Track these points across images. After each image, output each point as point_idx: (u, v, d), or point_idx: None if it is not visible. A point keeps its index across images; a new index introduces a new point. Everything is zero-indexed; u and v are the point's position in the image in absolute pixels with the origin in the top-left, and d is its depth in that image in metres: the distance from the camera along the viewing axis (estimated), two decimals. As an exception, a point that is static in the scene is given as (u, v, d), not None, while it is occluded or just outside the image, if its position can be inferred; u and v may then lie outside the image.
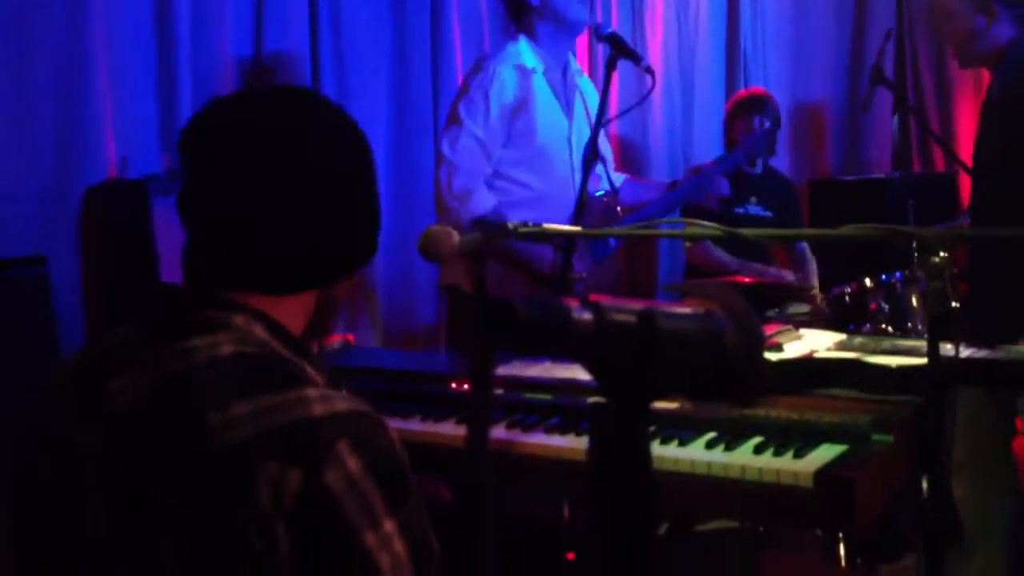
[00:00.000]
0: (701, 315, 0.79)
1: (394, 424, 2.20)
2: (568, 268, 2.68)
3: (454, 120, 3.23)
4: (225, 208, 1.32)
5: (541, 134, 3.23)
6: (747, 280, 3.42)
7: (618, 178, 3.51)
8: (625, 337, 0.74)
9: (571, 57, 3.43)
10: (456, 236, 2.08)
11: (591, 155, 2.95)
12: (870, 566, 2.89)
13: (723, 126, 4.45)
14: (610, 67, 3.10)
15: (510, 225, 2.15)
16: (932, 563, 1.79)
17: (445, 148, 3.20)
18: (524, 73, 3.23)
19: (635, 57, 3.12)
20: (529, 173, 3.26)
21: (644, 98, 3.56)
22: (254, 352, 1.25)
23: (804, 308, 3.38)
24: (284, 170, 1.31)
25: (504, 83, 3.20)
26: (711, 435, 1.96)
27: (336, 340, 3.09)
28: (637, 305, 0.77)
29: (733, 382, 0.81)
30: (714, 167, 3.41)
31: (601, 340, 0.73)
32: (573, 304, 0.75)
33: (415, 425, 2.22)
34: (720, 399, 0.85)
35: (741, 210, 4.19)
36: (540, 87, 3.26)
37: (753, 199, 4.24)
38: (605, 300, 0.76)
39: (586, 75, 3.58)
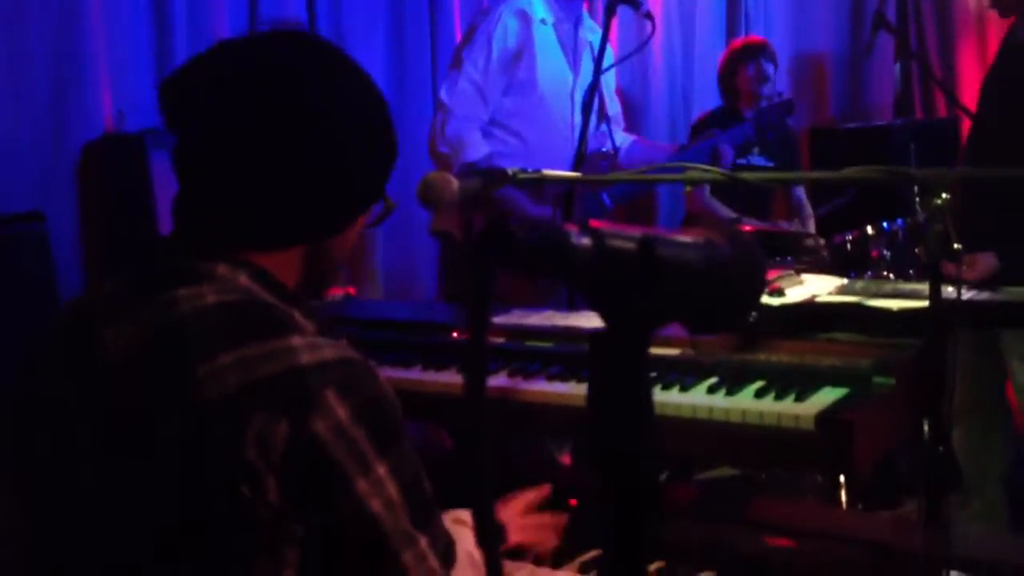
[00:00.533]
0: (702, 243, 0.78)
1: (395, 374, 2.25)
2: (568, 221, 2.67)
3: (456, 64, 3.23)
4: (213, 158, 1.29)
5: (542, 84, 3.22)
6: (747, 228, 3.41)
7: (626, 139, 3.49)
8: (625, 263, 0.73)
9: (585, 14, 3.40)
10: (455, 183, 2.07)
11: (589, 101, 2.93)
12: (870, 511, 2.90)
13: (719, 76, 4.39)
14: (609, 12, 3.08)
15: (509, 171, 2.13)
16: (932, 508, 1.80)
17: (443, 93, 3.20)
18: (530, 21, 3.21)
19: (634, 3, 3.09)
20: (527, 124, 3.24)
21: (644, 44, 3.53)
22: (236, 300, 1.23)
23: (805, 255, 3.37)
24: (274, 117, 1.27)
25: (507, 28, 3.18)
26: (712, 380, 1.95)
27: (337, 293, 3.09)
28: (638, 232, 0.76)
29: (734, 311, 0.81)
30: (724, 135, 3.38)
31: (600, 266, 0.72)
32: (572, 229, 0.74)
33: (416, 374, 2.22)
34: (720, 328, 0.84)
35: (743, 161, 4.17)
36: (547, 37, 3.24)
37: (755, 149, 4.21)
38: (605, 226, 0.75)
39: (599, 30, 3.54)
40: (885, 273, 3.00)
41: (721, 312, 0.80)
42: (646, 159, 3.31)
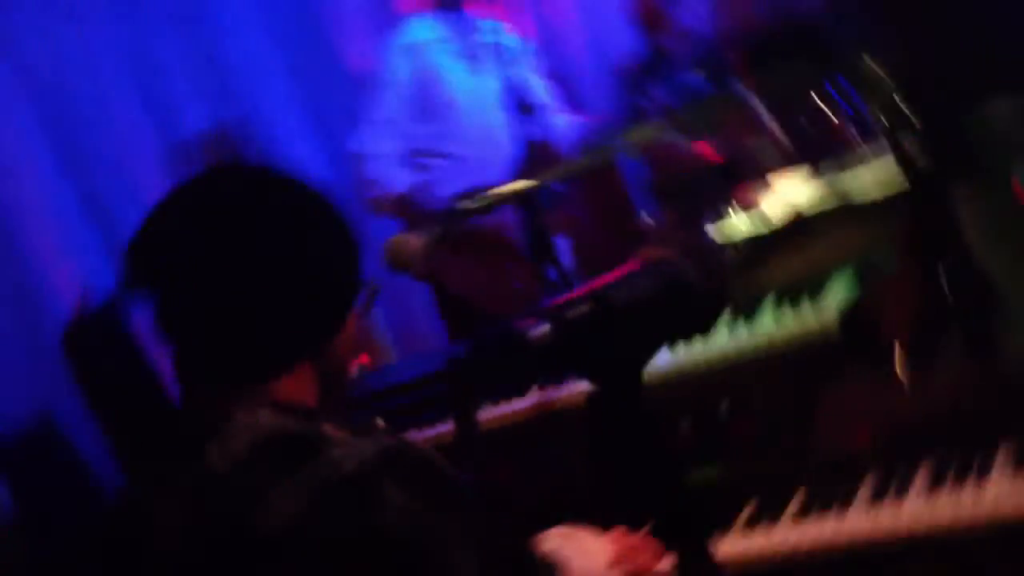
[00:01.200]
0: (654, 268, 0.77)
1: (431, 433, 2.26)
2: (541, 226, 2.68)
3: (359, 119, 3.25)
4: (200, 309, 1.31)
5: (459, 100, 3.22)
6: (716, 158, 3.36)
7: (565, 122, 3.49)
8: (586, 328, 0.73)
9: (479, 20, 3.38)
10: (415, 240, 2.07)
11: (521, 100, 2.94)
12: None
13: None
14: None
15: (460, 206, 2.14)
16: (971, 333, 1.79)
17: (351, 145, 3.22)
18: (419, 50, 3.21)
19: None
20: (457, 143, 3.25)
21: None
22: (265, 438, 1.24)
23: (767, 150, 3.32)
24: (249, 254, 1.30)
25: (396, 65, 3.19)
26: (726, 317, 1.94)
27: (357, 361, 3.10)
28: (587, 290, 0.76)
29: (709, 310, 0.81)
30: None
31: (567, 339, 0.72)
32: (528, 321, 0.74)
33: (449, 426, 2.22)
34: (707, 328, 0.84)
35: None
36: (440, 57, 3.24)
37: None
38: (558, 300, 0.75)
39: (506, 26, 3.50)
40: (853, 139, 2.96)
41: (698, 317, 0.80)
42: (583, 137, 3.33)
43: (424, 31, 3.24)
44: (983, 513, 1.47)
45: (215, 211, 1.32)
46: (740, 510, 1.76)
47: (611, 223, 4.36)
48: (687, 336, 0.73)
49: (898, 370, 2.71)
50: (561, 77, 4.67)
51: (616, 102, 3.45)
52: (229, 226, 1.30)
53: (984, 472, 1.53)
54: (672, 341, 0.73)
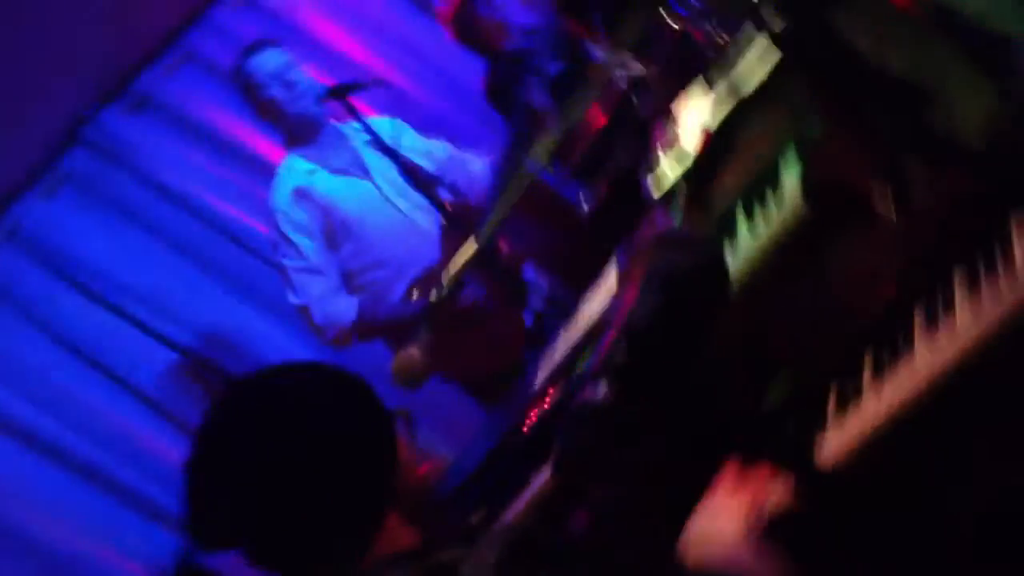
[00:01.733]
0: (653, 278, 0.82)
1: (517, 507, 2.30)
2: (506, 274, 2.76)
3: (281, 267, 3.35)
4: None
5: (362, 213, 3.29)
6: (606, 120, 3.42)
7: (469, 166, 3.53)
8: (637, 362, 0.77)
9: (340, 127, 3.43)
10: (414, 353, 2.12)
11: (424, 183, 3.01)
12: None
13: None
14: (349, 108, 3.18)
15: (432, 298, 2.19)
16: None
17: (290, 299, 3.32)
18: (299, 191, 3.27)
19: (359, 86, 3.17)
20: (378, 248, 3.35)
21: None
22: None
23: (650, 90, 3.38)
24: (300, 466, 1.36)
25: (290, 214, 3.25)
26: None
27: (423, 478, 3.14)
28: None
29: (717, 285, 0.85)
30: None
31: (628, 383, 0.77)
32: (585, 392, 0.77)
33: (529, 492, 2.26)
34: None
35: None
36: (328, 184, 3.30)
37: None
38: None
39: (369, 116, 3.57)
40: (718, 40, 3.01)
41: (714, 284, 0.84)
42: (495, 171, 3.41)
43: (296, 173, 3.30)
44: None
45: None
46: (823, 405, 1.79)
47: (559, 228, 4.43)
48: (718, 305, 0.77)
49: (881, 210, 2.77)
50: (441, 125, 4.77)
51: (502, 125, 3.52)
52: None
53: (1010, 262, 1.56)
54: (709, 316, 0.77)
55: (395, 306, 3.26)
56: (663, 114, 2.99)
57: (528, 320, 3.39)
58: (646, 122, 3.20)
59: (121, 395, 3.92)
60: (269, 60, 3.32)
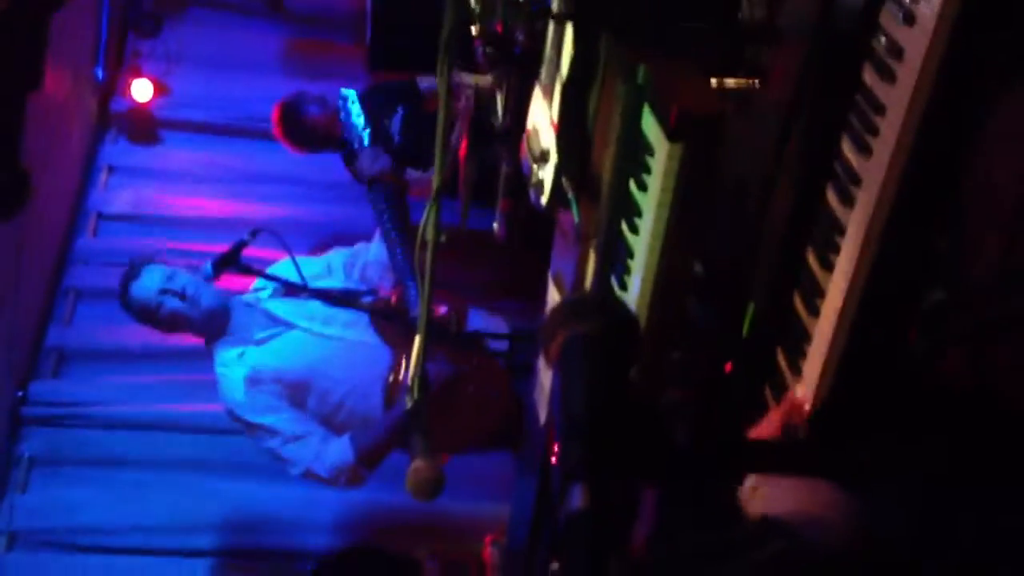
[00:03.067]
0: (567, 380, 0.82)
1: None
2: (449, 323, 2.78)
3: (269, 451, 3.32)
4: None
5: (315, 367, 3.33)
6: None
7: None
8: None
9: (253, 290, 3.44)
10: (419, 465, 2.13)
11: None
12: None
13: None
14: (243, 270, 3.18)
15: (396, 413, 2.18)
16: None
17: (293, 472, 3.29)
18: (249, 378, 3.26)
19: (241, 244, 3.18)
20: (343, 385, 3.36)
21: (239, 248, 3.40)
22: None
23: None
24: None
25: (247, 402, 3.27)
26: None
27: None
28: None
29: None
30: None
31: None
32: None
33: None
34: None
35: (388, 121, 4.28)
36: (263, 356, 3.32)
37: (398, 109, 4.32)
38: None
39: (280, 263, 3.53)
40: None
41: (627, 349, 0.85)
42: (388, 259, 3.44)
43: (232, 364, 3.31)
44: None
45: None
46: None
47: (485, 260, 4.45)
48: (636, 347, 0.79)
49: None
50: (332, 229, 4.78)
51: (381, 202, 3.54)
52: None
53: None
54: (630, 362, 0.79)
55: (382, 421, 3.27)
56: (516, 123, 3.03)
57: (501, 362, 3.41)
58: (504, 127, 3.24)
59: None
60: (149, 280, 3.30)
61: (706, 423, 1.96)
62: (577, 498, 0.76)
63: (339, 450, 3.24)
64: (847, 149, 1.69)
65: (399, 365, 3.24)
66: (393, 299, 3.38)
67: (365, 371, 3.33)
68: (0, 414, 4.12)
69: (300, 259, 3.34)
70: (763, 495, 1.57)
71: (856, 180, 1.65)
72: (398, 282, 3.42)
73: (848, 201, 1.67)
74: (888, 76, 1.55)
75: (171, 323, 3.34)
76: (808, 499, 1.43)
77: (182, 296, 3.25)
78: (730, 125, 1.86)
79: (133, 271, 3.33)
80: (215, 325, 3.32)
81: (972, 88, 1.49)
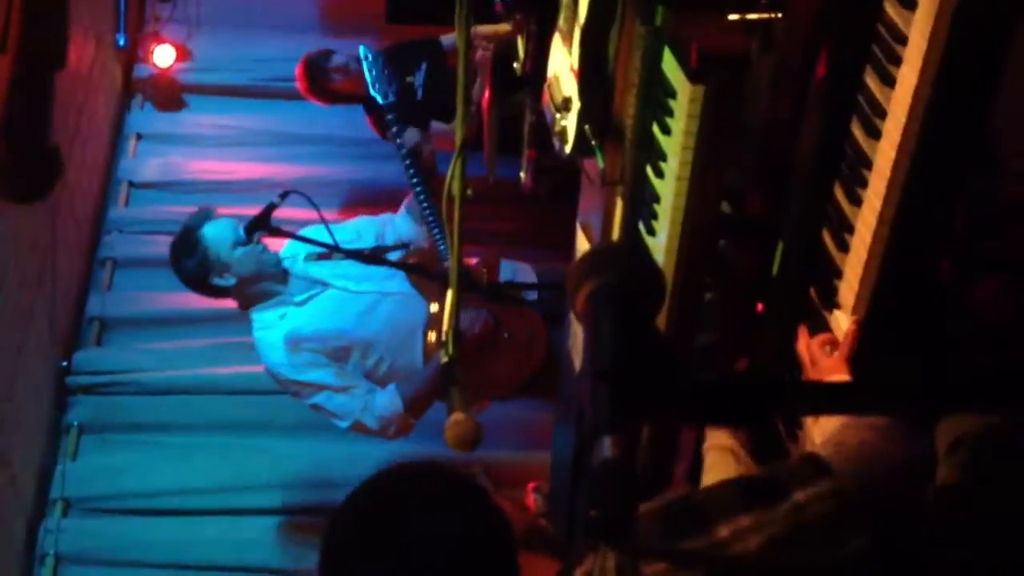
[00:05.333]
0: (595, 327, 0.83)
1: None
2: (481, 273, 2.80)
3: (316, 407, 3.33)
4: None
5: (354, 323, 3.34)
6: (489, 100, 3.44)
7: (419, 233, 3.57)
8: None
9: (271, 257, 3.45)
10: (457, 417, 2.15)
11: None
12: None
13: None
14: (275, 232, 3.20)
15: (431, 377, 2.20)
16: None
17: (341, 426, 3.33)
18: (289, 339, 3.27)
19: (272, 207, 3.17)
20: (383, 339, 3.36)
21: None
22: None
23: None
24: None
25: (289, 361, 3.28)
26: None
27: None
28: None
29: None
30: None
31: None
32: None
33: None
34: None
35: (412, 78, 4.29)
36: (304, 316, 3.34)
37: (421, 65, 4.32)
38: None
39: (311, 229, 3.48)
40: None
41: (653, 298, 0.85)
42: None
43: (272, 327, 3.32)
44: None
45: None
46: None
47: (511, 209, 4.45)
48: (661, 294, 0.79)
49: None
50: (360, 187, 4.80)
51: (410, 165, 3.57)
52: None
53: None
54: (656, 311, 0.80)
55: (425, 370, 3.28)
56: (537, 71, 3.01)
57: (537, 308, 3.42)
58: (526, 75, 3.22)
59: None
60: (220, 233, 3.28)
61: (739, 364, 1.96)
62: (606, 448, 0.77)
63: (387, 399, 3.27)
64: (871, 81, 1.67)
65: (435, 318, 3.25)
66: (427, 249, 3.39)
67: (404, 323, 3.35)
68: (46, 384, 4.19)
69: (331, 227, 3.34)
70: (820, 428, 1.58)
71: (881, 112, 1.63)
72: (430, 234, 3.44)
73: (874, 133, 1.65)
74: (908, 3, 1.53)
75: (214, 292, 3.36)
76: (856, 435, 1.44)
77: (228, 265, 3.27)
78: (753, 62, 1.84)
79: (194, 230, 3.30)
80: (258, 288, 3.33)
81: (995, 12, 1.46)
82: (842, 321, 1.79)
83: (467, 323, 3.11)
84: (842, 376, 1.72)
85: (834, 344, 1.79)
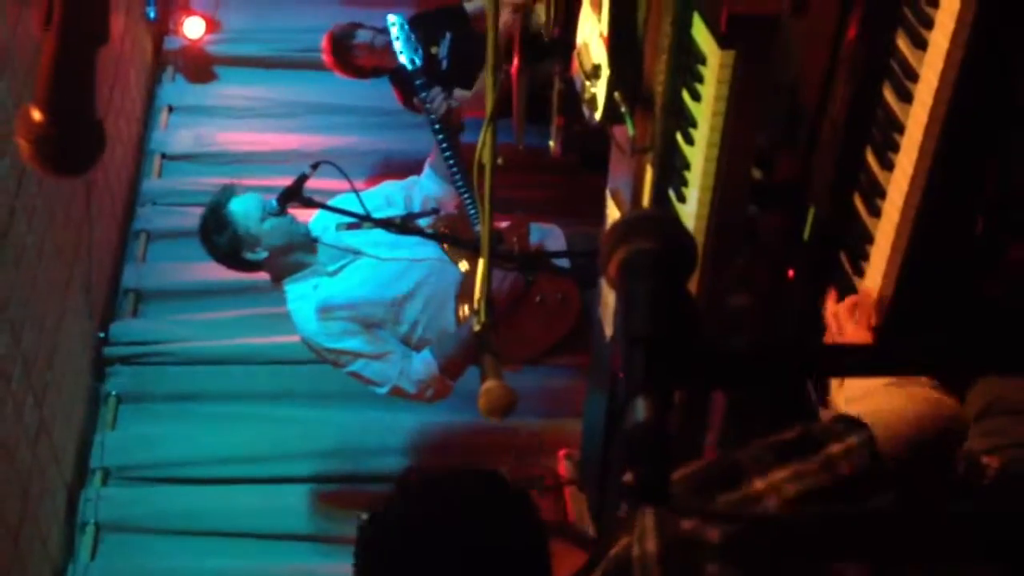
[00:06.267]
0: (629, 297, 0.84)
1: None
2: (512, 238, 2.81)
3: (354, 375, 3.37)
4: None
5: (387, 289, 3.36)
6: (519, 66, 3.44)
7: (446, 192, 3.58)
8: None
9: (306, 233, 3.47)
10: (490, 385, 2.16)
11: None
12: None
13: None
14: (306, 203, 3.22)
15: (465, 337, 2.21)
16: None
17: (379, 393, 3.35)
18: (322, 308, 3.30)
19: (303, 179, 3.19)
20: (417, 304, 3.39)
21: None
22: None
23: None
24: None
25: (323, 330, 3.31)
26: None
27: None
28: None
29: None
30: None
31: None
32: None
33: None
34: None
35: (436, 49, 4.29)
36: (336, 286, 3.37)
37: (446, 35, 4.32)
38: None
39: (339, 199, 3.51)
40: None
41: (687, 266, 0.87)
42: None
43: (305, 297, 3.35)
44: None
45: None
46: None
47: (542, 177, 4.45)
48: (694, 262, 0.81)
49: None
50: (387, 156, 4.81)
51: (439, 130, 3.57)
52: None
53: None
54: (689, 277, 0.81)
55: (460, 332, 3.31)
56: (565, 37, 3.00)
57: (569, 274, 3.43)
58: (553, 39, 3.22)
59: (277, 548, 4.00)
60: (248, 208, 3.31)
61: (771, 329, 1.97)
62: (641, 411, 0.78)
63: (424, 363, 3.29)
64: (902, 44, 1.66)
65: (468, 281, 3.26)
66: (456, 215, 3.41)
67: (437, 288, 3.37)
68: (84, 355, 4.26)
69: (361, 196, 3.36)
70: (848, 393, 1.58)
71: (913, 75, 1.63)
72: (459, 198, 3.45)
73: (906, 97, 1.64)
74: (942, -34, 1.52)
75: (247, 266, 3.39)
76: (886, 398, 1.44)
77: (258, 238, 3.30)
78: (783, 26, 1.83)
79: (221, 206, 3.33)
80: (289, 260, 3.36)
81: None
82: (872, 287, 1.79)
83: (497, 283, 3.13)
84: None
85: (861, 308, 1.79)
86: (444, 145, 3.49)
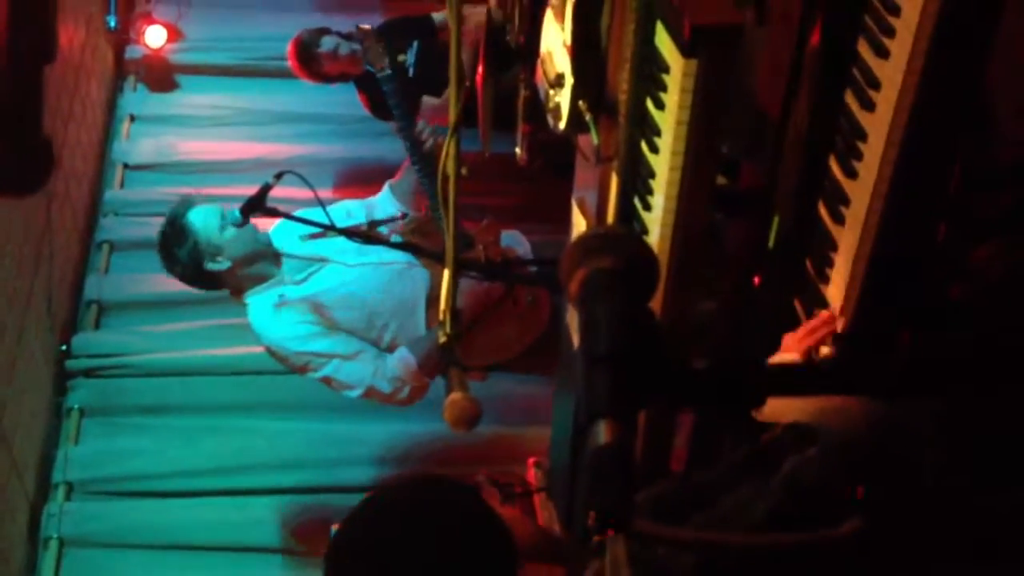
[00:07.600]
0: (598, 312, 0.83)
1: None
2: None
3: (325, 379, 3.32)
4: None
5: (355, 293, 3.35)
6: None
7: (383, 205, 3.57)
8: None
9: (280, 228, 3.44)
10: (455, 397, 2.15)
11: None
12: None
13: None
14: (270, 213, 3.19)
15: (438, 338, 2.21)
16: None
17: (352, 396, 3.31)
18: (283, 296, 3.27)
19: (267, 188, 3.16)
20: (387, 306, 3.36)
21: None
22: None
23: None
24: None
25: (292, 334, 3.27)
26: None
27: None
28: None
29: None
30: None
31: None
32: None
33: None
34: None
35: (404, 56, 4.27)
36: (303, 293, 3.31)
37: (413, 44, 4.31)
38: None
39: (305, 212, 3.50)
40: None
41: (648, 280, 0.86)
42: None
43: (264, 309, 3.30)
44: None
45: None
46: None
47: (508, 184, 4.44)
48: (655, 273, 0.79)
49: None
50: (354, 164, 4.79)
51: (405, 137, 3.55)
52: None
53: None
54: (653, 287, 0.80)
55: (434, 332, 3.28)
56: (530, 45, 2.99)
57: (538, 281, 3.42)
58: (518, 46, 3.20)
59: (245, 561, 3.96)
60: (207, 218, 3.27)
61: (736, 342, 1.96)
62: (602, 434, 0.77)
63: (400, 359, 3.26)
64: (865, 52, 1.66)
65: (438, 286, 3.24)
66: (423, 217, 3.39)
67: (407, 291, 3.35)
68: (46, 368, 4.20)
69: (329, 209, 3.33)
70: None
71: (875, 83, 1.63)
72: (427, 204, 3.43)
73: (868, 106, 1.65)
74: (902, -26, 1.52)
75: (208, 280, 3.35)
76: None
77: (220, 250, 3.26)
78: (746, 35, 1.83)
79: (179, 218, 3.28)
80: (253, 270, 3.33)
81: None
82: (837, 294, 1.79)
83: (477, 286, 3.11)
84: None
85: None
86: (413, 154, 3.48)
